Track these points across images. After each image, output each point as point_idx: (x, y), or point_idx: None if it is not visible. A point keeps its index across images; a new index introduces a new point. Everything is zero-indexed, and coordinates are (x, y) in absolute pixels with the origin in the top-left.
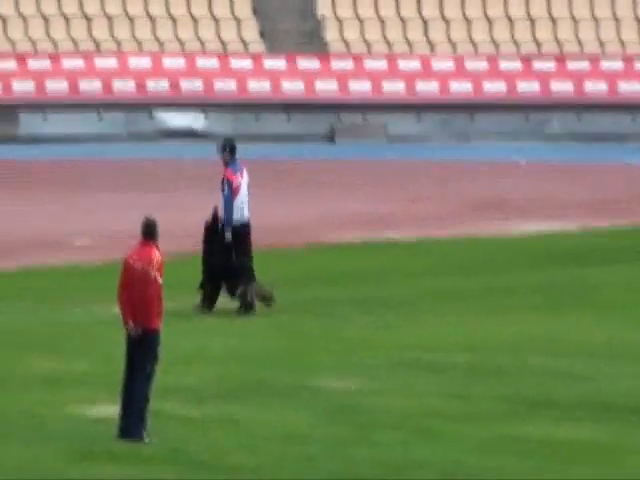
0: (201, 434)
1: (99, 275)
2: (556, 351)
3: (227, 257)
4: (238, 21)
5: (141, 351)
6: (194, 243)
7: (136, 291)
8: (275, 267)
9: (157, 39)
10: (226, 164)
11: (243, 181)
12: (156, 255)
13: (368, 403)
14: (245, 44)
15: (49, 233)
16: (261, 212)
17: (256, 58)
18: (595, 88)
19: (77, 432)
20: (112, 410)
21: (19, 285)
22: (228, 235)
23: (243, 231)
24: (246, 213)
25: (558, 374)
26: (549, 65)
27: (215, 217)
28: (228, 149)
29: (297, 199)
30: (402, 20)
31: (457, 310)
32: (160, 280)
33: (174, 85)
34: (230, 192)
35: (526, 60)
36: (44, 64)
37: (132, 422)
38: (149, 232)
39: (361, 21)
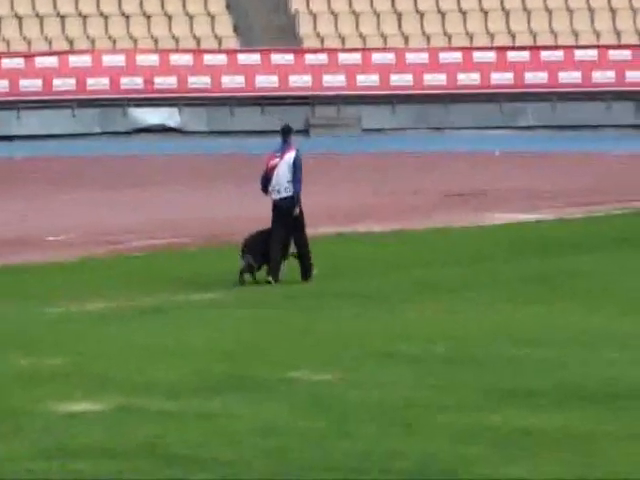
0: (177, 428)
1: (73, 272)
2: (532, 340)
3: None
4: (212, 17)
5: None
6: (167, 238)
7: None
8: None
9: (131, 36)
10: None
11: (282, 162)
12: None
13: (345, 395)
14: (219, 40)
15: (23, 230)
16: (237, 206)
17: (230, 53)
18: (569, 78)
19: (51, 428)
20: (86, 406)
21: None
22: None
23: (280, 208)
24: (282, 194)
25: (533, 363)
26: (523, 55)
27: None
28: (280, 133)
29: None
30: (376, 14)
31: (435, 301)
32: None
33: (148, 82)
34: (264, 171)
35: (500, 51)
36: (17, 63)
37: None
38: None
39: (335, 15)
